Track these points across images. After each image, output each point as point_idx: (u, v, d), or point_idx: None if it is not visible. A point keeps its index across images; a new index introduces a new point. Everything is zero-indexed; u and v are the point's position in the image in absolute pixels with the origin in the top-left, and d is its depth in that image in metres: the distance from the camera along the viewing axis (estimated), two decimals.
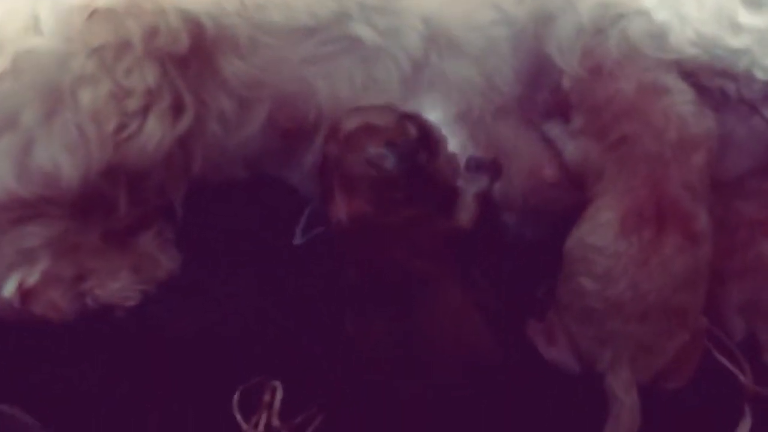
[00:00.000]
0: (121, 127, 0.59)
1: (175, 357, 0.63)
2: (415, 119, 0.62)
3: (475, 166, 0.63)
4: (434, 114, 0.65)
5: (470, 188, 0.62)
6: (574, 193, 0.63)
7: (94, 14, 0.59)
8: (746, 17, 0.58)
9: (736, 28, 0.59)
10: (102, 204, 0.63)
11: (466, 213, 0.61)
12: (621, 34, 0.61)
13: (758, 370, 0.60)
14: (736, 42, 0.59)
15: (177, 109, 0.62)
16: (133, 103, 0.59)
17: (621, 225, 0.57)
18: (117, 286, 0.65)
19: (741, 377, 0.59)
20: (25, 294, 0.62)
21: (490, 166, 0.64)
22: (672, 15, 0.60)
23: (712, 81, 0.62)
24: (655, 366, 0.57)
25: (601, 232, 0.58)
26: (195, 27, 0.61)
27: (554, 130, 0.65)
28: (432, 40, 0.64)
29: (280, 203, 0.75)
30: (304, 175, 0.71)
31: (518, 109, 0.65)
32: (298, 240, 0.73)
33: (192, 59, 0.62)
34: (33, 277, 0.62)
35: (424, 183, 0.60)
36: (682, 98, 0.60)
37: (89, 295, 0.64)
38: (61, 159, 0.58)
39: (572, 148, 0.63)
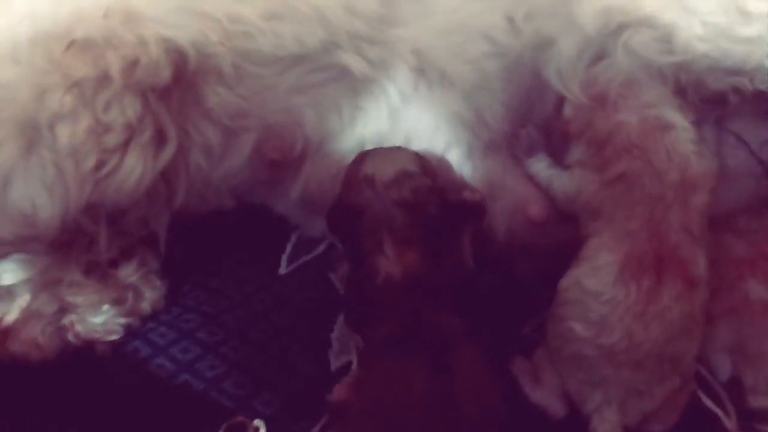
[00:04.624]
0: (100, 164, 0.57)
1: (157, 394, 0.62)
2: (426, 158, 0.61)
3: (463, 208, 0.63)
4: (420, 147, 0.63)
5: (464, 232, 0.62)
6: (563, 230, 0.63)
7: (72, 45, 0.57)
8: (756, 4, 0.56)
9: (746, 16, 0.56)
10: (82, 239, 0.62)
11: (468, 258, 0.61)
12: (625, 47, 0.58)
13: (741, 413, 0.60)
14: (747, 30, 0.56)
15: (159, 141, 0.61)
16: (112, 139, 0.57)
17: (620, 271, 0.55)
18: (99, 320, 0.64)
19: (725, 421, 0.58)
20: (4, 332, 0.61)
21: (477, 208, 0.63)
22: (677, 12, 0.57)
23: (722, 81, 0.58)
24: (644, 410, 0.56)
25: (599, 276, 0.56)
26: (177, 57, 0.59)
27: (538, 165, 0.63)
28: (422, 72, 0.63)
29: (266, 232, 0.76)
30: (291, 204, 0.71)
31: (505, 145, 0.64)
32: (283, 269, 0.73)
33: (174, 90, 0.61)
34: (12, 315, 0.61)
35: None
36: (685, 136, 0.58)
37: (70, 331, 0.64)
38: (38, 199, 0.56)
39: (565, 181, 0.61)
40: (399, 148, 0.62)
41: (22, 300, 0.61)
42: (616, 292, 0.55)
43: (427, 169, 0.62)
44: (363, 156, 0.62)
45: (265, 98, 0.64)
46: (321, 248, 0.73)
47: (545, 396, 0.59)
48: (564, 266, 0.62)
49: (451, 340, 0.56)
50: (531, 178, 0.63)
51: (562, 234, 0.62)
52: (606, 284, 0.56)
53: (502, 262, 0.66)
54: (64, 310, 0.63)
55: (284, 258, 0.73)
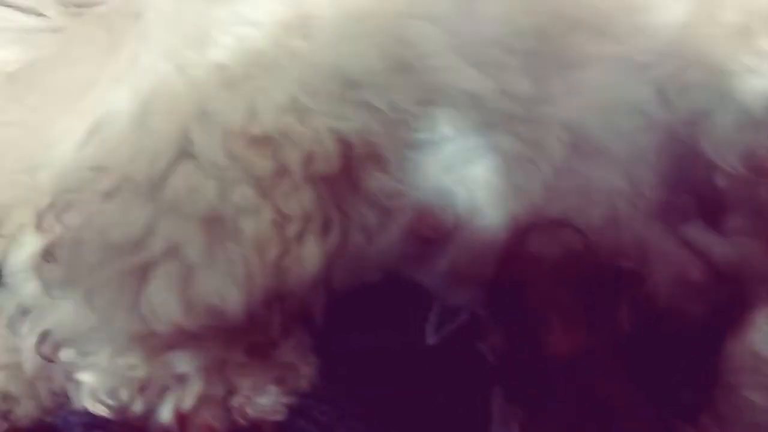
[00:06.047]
0: (283, 254, 0.59)
1: None
2: (586, 233, 0.63)
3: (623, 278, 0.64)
4: (577, 220, 0.66)
5: (623, 301, 0.63)
6: (723, 294, 0.64)
7: (251, 141, 0.60)
8: None
9: None
10: (254, 324, 0.64)
11: (628, 326, 0.62)
12: None
13: None
14: None
15: (326, 226, 0.63)
16: (292, 229, 0.59)
17: None
18: (265, 401, 0.65)
19: None
20: (182, 419, 0.62)
21: (636, 277, 0.65)
22: None
23: None
24: None
25: None
26: (344, 147, 0.61)
27: (694, 231, 0.66)
28: (575, 147, 0.64)
29: (409, 302, 0.77)
30: (436, 276, 0.73)
31: (660, 213, 0.66)
32: (431, 339, 0.75)
33: (339, 177, 0.63)
34: (188, 402, 0.62)
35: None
36: None
37: (239, 413, 0.65)
38: (226, 291, 0.57)
39: (726, 248, 0.62)
40: (561, 223, 0.64)
41: (196, 386, 0.62)
42: None
43: (589, 245, 0.64)
44: (526, 233, 0.64)
45: (418, 179, 0.66)
46: (464, 317, 0.74)
47: None
48: (723, 331, 0.64)
49: (621, 410, 0.59)
50: (688, 244, 0.66)
51: (723, 298, 0.64)
52: None
53: (660, 327, 0.68)
54: (231, 392, 0.64)
55: (429, 327, 0.74)
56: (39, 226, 0.63)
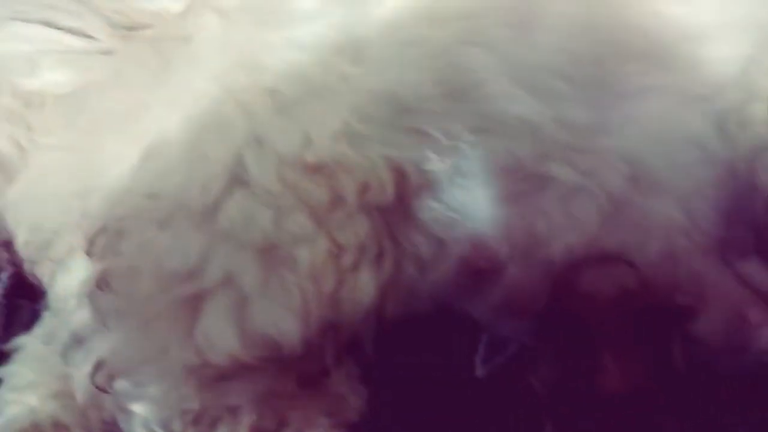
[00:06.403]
0: (339, 285, 0.58)
1: None
2: (641, 269, 0.62)
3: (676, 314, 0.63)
4: (633, 254, 0.64)
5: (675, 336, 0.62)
6: None
7: (304, 168, 0.59)
8: None
9: None
10: (308, 354, 0.63)
11: (680, 363, 0.61)
12: None
13: None
14: None
15: (380, 257, 0.62)
16: (348, 259, 0.59)
17: None
18: None
19: None
20: None
21: (690, 312, 0.64)
22: None
23: None
24: None
25: None
26: (399, 176, 0.61)
27: (752, 268, 0.64)
28: (633, 179, 0.63)
29: (457, 333, 0.76)
30: (487, 307, 0.72)
31: (717, 248, 0.65)
32: (480, 371, 0.74)
33: (393, 207, 0.62)
34: None
35: None
36: None
37: None
38: (283, 322, 0.57)
39: None
40: (616, 259, 0.63)
41: (247, 418, 0.61)
42: None
43: (644, 281, 0.62)
44: (579, 267, 0.62)
45: (471, 209, 0.64)
46: (513, 349, 0.72)
47: None
48: None
49: None
50: (745, 281, 0.65)
51: None
52: None
53: (715, 365, 0.66)
54: (282, 424, 0.63)
55: (478, 359, 0.73)
56: (89, 252, 0.63)
